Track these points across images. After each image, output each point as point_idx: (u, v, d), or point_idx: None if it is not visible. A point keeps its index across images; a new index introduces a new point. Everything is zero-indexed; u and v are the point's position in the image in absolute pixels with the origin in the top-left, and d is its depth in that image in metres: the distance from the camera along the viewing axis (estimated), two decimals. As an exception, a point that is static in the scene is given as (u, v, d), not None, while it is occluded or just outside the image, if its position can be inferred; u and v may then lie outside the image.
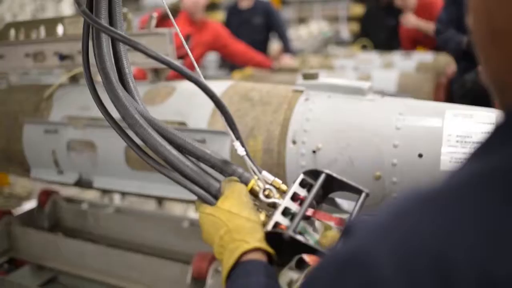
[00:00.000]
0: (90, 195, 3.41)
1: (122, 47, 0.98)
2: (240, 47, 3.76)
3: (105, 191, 2.56)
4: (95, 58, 0.95)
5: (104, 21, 0.95)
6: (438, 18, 3.10)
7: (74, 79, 1.77)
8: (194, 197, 0.88)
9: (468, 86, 2.63)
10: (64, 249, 1.82)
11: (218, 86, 1.46)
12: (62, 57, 1.69)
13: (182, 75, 0.83)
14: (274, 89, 1.39)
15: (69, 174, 1.68)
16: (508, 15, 0.39)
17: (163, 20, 2.30)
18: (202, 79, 0.85)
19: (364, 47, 4.71)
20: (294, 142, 1.25)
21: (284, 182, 1.28)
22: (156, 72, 1.61)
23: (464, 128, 1.10)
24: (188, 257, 1.57)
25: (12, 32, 1.81)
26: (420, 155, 1.11)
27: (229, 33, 3.81)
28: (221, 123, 1.27)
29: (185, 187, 0.87)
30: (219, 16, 7.23)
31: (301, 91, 1.34)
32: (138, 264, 1.66)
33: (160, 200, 3.20)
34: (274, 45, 5.08)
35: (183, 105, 1.44)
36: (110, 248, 1.79)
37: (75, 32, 1.68)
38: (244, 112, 1.34)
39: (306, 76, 1.35)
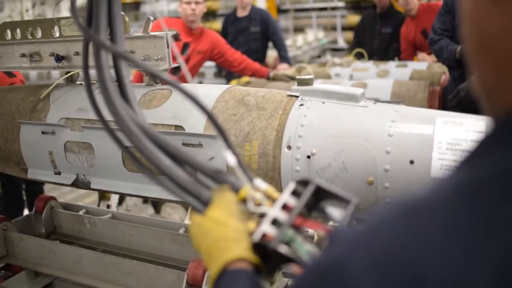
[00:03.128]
0: (87, 201, 3.42)
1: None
2: (237, 56, 3.78)
3: (102, 198, 2.57)
4: (95, 69, 0.96)
5: (103, 31, 0.97)
6: (432, 28, 3.13)
7: (70, 80, 1.77)
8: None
9: (461, 95, 2.66)
10: (60, 255, 1.82)
11: (214, 90, 1.48)
12: (59, 58, 1.70)
13: (173, 87, 0.85)
14: (269, 94, 1.41)
15: (66, 175, 1.68)
16: (499, 23, 0.40)
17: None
18: (190, 90, 0.86)
19: (359, 56, 4.75)
20: (289, 147, 1.28)
21: (279, 186, 1.29)
22: (152, 75, 1.61)
23: (454, 135, 1.12)
24: (184, 264, 1.58)
25: (8, 32, 1.81)
26: (412, 162, 1.13)
27: (226, 42, 3.84)
28: None
29: (177, 195, 0.88)
30: (217, 25, 7.26)
31: (296, 97, 1.36)
32: (134, 270, 1.66)
33: (157, 208, 3.22)
34: (271, 54, 5.11)
35: (180, 109, 1.44)
36: (106, 255, 1.79)
37: (71, 33, 1.68)
38: (240, 117, 1.36)
39: (301, 82, 1.37)
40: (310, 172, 1.24)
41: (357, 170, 1.19)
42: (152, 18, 1.58)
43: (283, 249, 0.74)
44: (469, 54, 0.45)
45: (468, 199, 0.37)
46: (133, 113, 0.95)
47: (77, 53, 1.67)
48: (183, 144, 1.39)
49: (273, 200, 0.85)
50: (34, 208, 2.12)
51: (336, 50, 7.68)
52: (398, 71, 3.78)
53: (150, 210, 3.28)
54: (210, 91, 1.48)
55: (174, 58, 1.53)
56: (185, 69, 0.94)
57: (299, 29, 8.52)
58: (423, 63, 3.95)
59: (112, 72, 1.01)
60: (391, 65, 3.96)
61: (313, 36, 7.39)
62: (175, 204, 3.06)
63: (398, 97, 3.11)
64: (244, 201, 0.85)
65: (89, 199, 3.66)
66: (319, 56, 6.84)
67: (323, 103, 1.31)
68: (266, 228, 0.78)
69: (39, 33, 1.75)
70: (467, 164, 0.42)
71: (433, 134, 1.13)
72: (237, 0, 4.63)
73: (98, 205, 2.62)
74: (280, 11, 8.88)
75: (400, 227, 0.38)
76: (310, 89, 1.35)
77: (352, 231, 0.42)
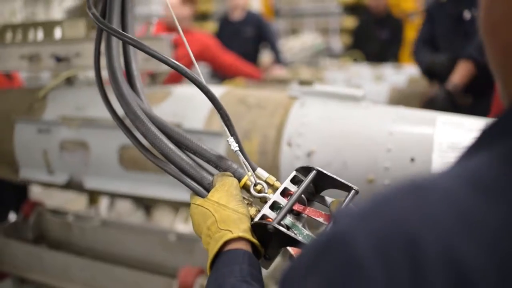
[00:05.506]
0: (76, 205, 3.37)
1: (132, 50, 1.06)
2: (229, 59, 3.72)
3: (91, 203, 2.53)
4: (106, 59, 1.01)
5: (116, 25, 1.02)
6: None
7: (69, 82, 1.76)
8: (183, 199, 0.87)
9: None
10: (48, 262, 1.79)
11: (216, 91, 1.47)
12: (59, 59, 1.69)
13: (183, 75, 0.89)
14: (270, 95, 1.42)
15: (60, 174, 1.63)
16: (501, 9, 0.43)
17: None
18: (200, 78, 0.89)
19: (355, 60, 4.73)
20: (289, 145, 1.27)
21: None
22: (152, 76, 1.66)
23: (454, 135, 1.13)
24: (174, 271, 1.55)
25: (9, 34, 1.81)
26: (412, 159, 1.13)
27: (218, 44, 3.77)
28: (217, 124, 1.32)
29: (179, 179, 0.90)
30: (210, 26, 7.25)
31: (297, 97, 1.37)
32: (123, 277, 1.63)
33: (148, 210, 3.18)
34: (265, 57, 5.10)
35: (179, 108, 1.45)
36: (94, 261, 1.76)
37: (72, 34, 1.68)
38: (240, 116, 1.36)
39: (302, 83, 1.39)
40: None
41: (358, 168, 1.18)
42: (153, 21, 1.64)
43: (283, 228, 0.76)
44: (483, 39, 0.47)
45: (472, 181, 0.39)
46: (139, 100, 1.00)
47: (77, 55, 1.68)
48: None
49: (273, 188, 0.88)
50: (21, 213, 2.08)
51: (331, 54, 7.68)
52: (394, 75, 3.76)
53: (141, 214, 3.24)
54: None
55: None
56: (193, 59, 0.97)
57: (295, 32, 8.52)
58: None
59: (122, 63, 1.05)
60: (387, 69, 3.94)
61: (309, 39, 7.39)
62: (166, 208, 3.03)
63: (394, 103, 3.09)
64: (246, 188, 0.88)
65: (78, 204, 3.60)
66: (314, 59, 6.83)
67: (324, 103, 1.32)
68: (267, 211, 0.81)
69: (40, 35, 1.75)
70: (467, 155, 0.44)
71: (433, 133, 1.14)
72: (231, 3, 4.61)
73: (87, 210, 2.57)
74: (276, 14, 8.88)
75: (401, 202, 0.39)
76: (311, 89, 1.36)
77: (354, 209, 0.43)
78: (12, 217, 2.30)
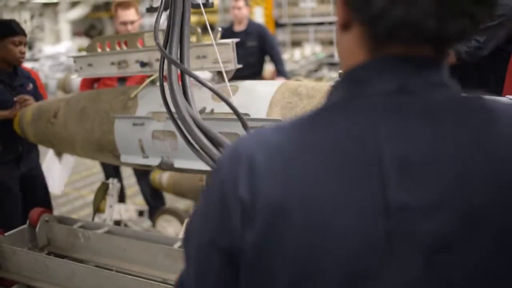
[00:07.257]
0: (82, 214, 3.40)
1: (186, 67, 1.47)
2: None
3: (97, 211, 2.56)
4: (167, 73, 1.43)
5: (174, 51, 1.47)
6: None
7: (152, 82, 2.06)
8: None
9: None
10: (53, 269, 1.82)
11: (271, 85, 1.79)
12: (143, 64, 1.99)
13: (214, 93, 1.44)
14: (318, 85, 1.71)
15: (153, 158, 1.95)
16: (342, 41, 0.69)
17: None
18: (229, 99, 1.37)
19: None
20: None
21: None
22: (220, 74, 1.88)
23: None
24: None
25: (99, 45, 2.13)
26: None
27: None
28: (276, 113, 1.67)
29: (211, 168, 1.19)
30: (214, 37, 7.27)
31: None
32: (127, 285, 1.66)
33: (153, 222, 3.23)
34: (268, 68, 5.14)
35: (245, 100, 1.74)
36: (100, 269, 1.78)
37: (153, 44, 1.88)
38: (295, 104, 1.65)
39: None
40: None
41: None
42: (220, 29, 1.96)
43: None
44: (338, 53, 0.74)
45: (281, 126, 0.66)
46: (189, 107, 1.40)
47: (158, 60, 1.90)
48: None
49: None
50: (28, 221, 2.10)
51: (333, 64, 7.72)
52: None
53: (146, 223, 3.27)
54: (268, 85, 1.81)
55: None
56: (223, 73, 1.54)
57: (296, 43, 8.58)
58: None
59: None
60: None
61: (311, 50, 7.44)
62: (169, 217, 3.07)
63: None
64: None
65: (83, 212, 3.63)
66: (316, 70, 6.88)
67: None
68: None
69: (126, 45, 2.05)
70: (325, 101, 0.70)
71: None
72: (233, 15, 4.67)
73: (93, 219, 2.60)
74: (278, 25, 8.94)
75: (250, 136, 0.68)
76: None
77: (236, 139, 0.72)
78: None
